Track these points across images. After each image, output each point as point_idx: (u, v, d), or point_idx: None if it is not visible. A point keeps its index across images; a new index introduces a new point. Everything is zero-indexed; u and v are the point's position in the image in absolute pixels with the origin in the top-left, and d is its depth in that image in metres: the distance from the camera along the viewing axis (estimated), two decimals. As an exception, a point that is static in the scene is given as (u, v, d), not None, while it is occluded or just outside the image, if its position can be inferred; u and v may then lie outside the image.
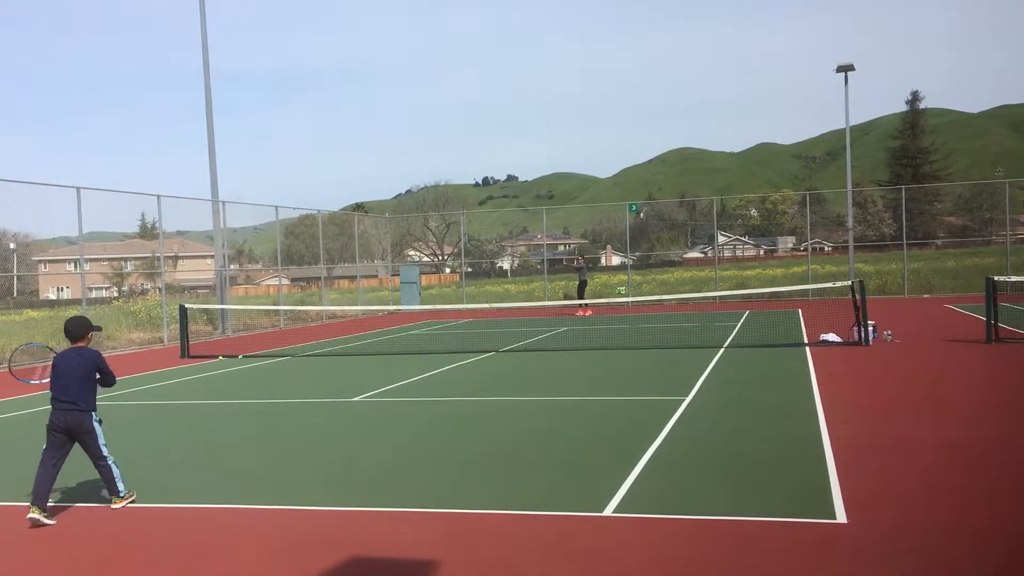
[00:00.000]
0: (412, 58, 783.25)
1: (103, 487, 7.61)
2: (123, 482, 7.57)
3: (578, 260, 34.14)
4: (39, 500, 7.11)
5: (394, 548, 6.14)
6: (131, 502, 7.55)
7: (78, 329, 7.66)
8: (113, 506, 7.49)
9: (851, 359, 15.48)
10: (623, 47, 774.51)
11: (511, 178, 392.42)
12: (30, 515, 7.01)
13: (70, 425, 7.36)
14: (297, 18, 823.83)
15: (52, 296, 67.87)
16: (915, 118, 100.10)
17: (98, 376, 7.58)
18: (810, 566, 5.45)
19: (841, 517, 6.32)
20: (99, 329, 7.98)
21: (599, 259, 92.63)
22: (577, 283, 32.94)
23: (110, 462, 7.50)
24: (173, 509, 7.47)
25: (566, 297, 39.80)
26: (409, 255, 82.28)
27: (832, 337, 18.04)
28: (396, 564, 5.86)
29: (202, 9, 28.40)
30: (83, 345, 7.65)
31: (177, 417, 12.63)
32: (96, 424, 7.47)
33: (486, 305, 33.29)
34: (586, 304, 30.56)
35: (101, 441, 7.48)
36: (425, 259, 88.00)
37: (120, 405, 13.83)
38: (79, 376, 7.43)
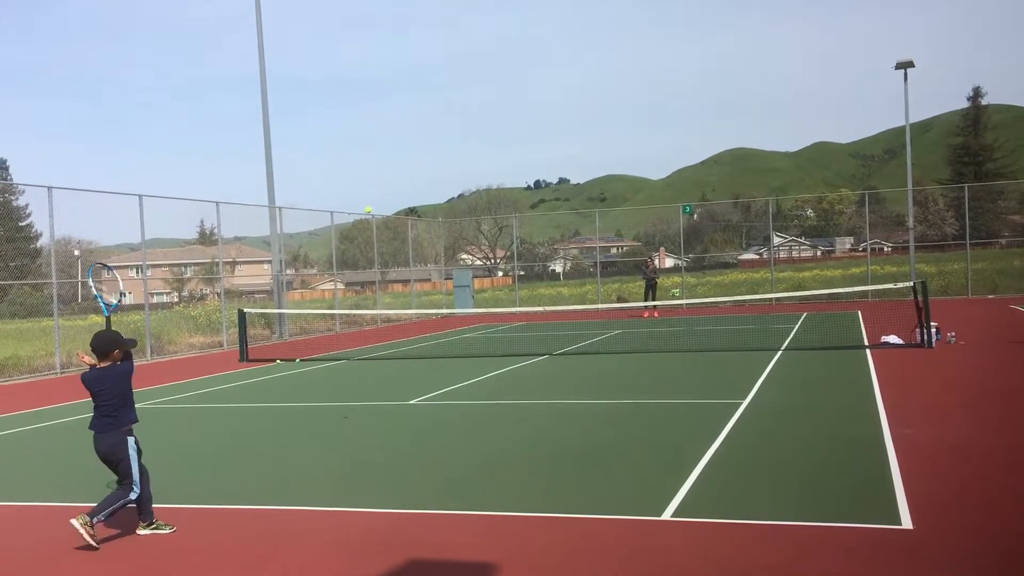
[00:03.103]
0: (464, 62, 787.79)
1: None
2: (107, 516, 6.72)
3: (647, 263, 33.96)
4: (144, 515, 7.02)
5: (450, 551, 6.15)
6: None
7: (101, 345, 6.87)
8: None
9: (914, 362, 15.14)
10: (676, 47, 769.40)
11: (563, 181, 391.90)
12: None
13: (102, 452, 6.90)
14: (351, 24, 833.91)
15: (114, 302, 69.36)
16: (977, 114, 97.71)
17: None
18: (875, 571, 5.32)
19: (907, 523, 6.17)
20: (133, 343, 7.13)
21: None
22: (646, 286, 32.61)
23: (133, 492, 6.84)
24: (234, 510, 7.57)
25: (619, 300, 39.60)
26: (462, 259, 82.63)
27: (893, 339, 17.66)
28: (451, 567, 5.86)
29: (258, 16, 28.87)
30: (108, 364, 6.88)
31: (236, 420, 12.83)
32: (127, 450, 6.86)
33: (539, 308, 33.26)
34: (654, 306, 30.39)
35: (132, 466, 6.85)
36: (478, 263, 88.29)
37: (181, 408, 14.11)
38: (119, 392, 6.86)
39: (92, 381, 6.87)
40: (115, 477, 7.04)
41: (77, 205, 21.58)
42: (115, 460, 6.86)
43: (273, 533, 6.83)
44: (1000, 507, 6.50)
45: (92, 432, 6.94)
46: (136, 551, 6.58)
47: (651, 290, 31.94)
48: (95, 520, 6.62)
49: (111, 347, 6.88)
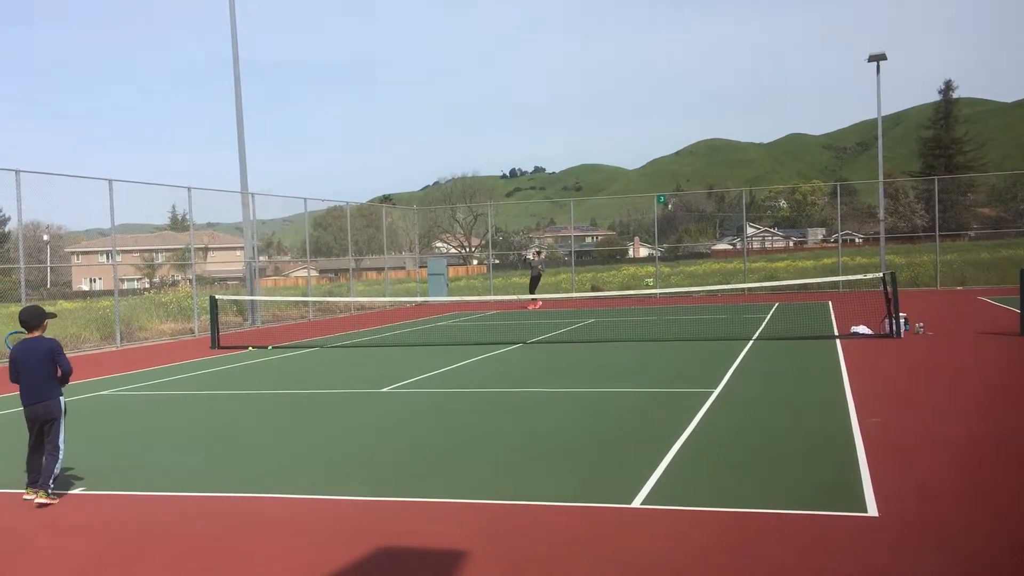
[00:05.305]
0: (440, 50, 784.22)
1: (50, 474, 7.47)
2: (54, 482, 7.48)
3: (534, 255, 34.69)
4: (33, 484, 7.55)
5: (423, 539, 6.16)
6: (46, 505, 7.33)
7: (33, 319, 7.68)
8: (27, 496, 7.46)
9: (882, 352, 15.33)
10: (651, 37, 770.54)
11: (538, 170, 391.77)
12: (29, 497, 7.47)
13: (39, 415, 7.55)
14: (325, 12, 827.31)
15: (84, 287, 68.69)
16: (948, 108, 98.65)
17: (59, 372, 7.66)
18: (841, 559, 5.40)
19: (872, 510, 6.26)
20: (53, 316, 8.06)
21: (627, 250, 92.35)
22: (530, 277, 33.42)
23: (60, 455, 7.53)
24: (204, 498, 7.53)
25: (593, 289, 39.72)
26: (436, 247, 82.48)
27: (863, 329, 17.86)
28: (425, 555, 5.88)
29: (231, 1, 28.55)
30: (39, 334, 7.69)
31: (207, 407, 12.76)
32: (64, 412, 7.62)
33: (513, 297, 33.27)
34: (536, 298, 30.56)
35: (63, 429, 7.59)
36: (452, 251, 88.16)
37: (150, 395, 14.01)
38: (38, 364, 7.55)
39: (21, 352, 7.60)
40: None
41: (46, 189, 21.29)
42: (50, 420, 7.54)
43: (243, 521, 6.81)
44: (965, 496, 6.61)
45: (26, 403, 7.58)
46: (107, 537, 6.54)
47: (535, 282, 32.70)
48: (50, 490, 7.41)
49: (41, 319, 7.73)
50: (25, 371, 7.57)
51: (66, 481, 7.99)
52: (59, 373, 7.67)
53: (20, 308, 19.35)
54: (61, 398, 7.63)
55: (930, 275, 36.24)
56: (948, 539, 5.69)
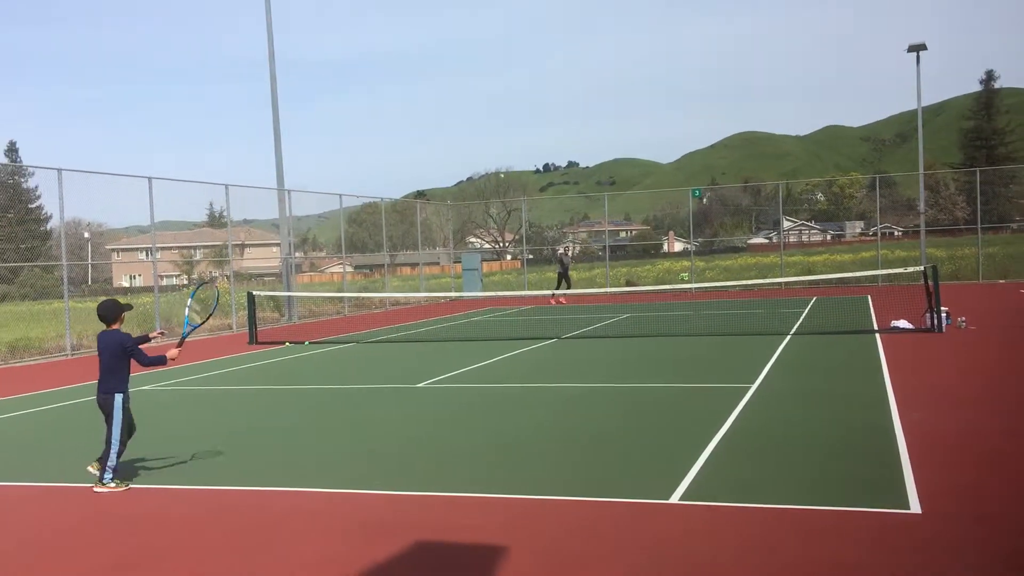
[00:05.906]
0: (473, 46, 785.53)
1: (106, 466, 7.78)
2: (111, 473, 7.73)
3: (564, 250, 34.76)
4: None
5: (457, 532, 6.17)
6: (111, 491, 7.67)
7: (109, 312, 7.94)
8: (95, 489, 7.73)
9: (923, 346, 15.09)
10: (686, 30, 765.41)
11: (572, 164, 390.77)
12: (93, 472, 7.85)
13: (99, 404, 7.92)
14: (360, 8, 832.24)
15: (125, 284, 69.69)
16: (989, 98, 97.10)
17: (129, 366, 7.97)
18: (883, 556, 5.32)
19: (915, 507, 6.16)
20: (129, 308, 8.24)
21: (662, 245, 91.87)
22: (557, 273, 33.48)
23: (111, 450, 7.72)
24: (241, 492, 7.60)
25: (628, 284, 39.57)
26: (470, 242, 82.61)
27: (903, 324, 17.60)
28: (459, 548, 5.88)
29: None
30: (116, 327, 7.94)
31: (245, 402, 12.88)
32: (118, 408, 7.78)
33: (548, 292, 33.23)
34: (563, 294, 30.33)
35: (116, 424, 7.76)
36: (486, 246, 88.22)
37: (190, 390, 14.17)
38: (106, 358, 7.86)
39: (99, 343, 7.99)
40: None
41: (87, 187, 21.62)
42: (105, 412, 7.84)
43: (281, 514, 6.86)
44: (1008, 492, 6.48)
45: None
46: (147, 529, 6.62)
47: (563, 278, 32.68)
48: (106, 479, 7.69)
49: (117, 312, 7.95)
50: (99, 361, 7.94)
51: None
52: (139, 361, 7.98)
53: (63, 304, 19.60)
54: (118, 395, 7.81)
55: (972, 268, 35.64)
56: (991, 536, 5.58)
